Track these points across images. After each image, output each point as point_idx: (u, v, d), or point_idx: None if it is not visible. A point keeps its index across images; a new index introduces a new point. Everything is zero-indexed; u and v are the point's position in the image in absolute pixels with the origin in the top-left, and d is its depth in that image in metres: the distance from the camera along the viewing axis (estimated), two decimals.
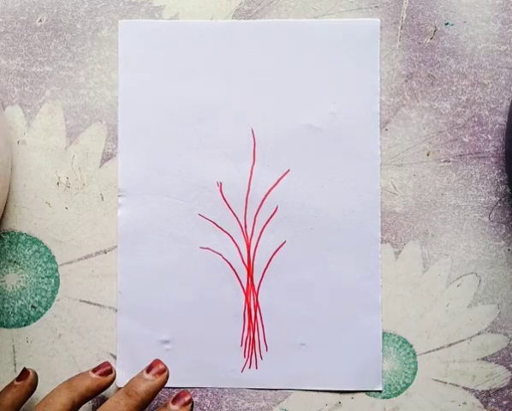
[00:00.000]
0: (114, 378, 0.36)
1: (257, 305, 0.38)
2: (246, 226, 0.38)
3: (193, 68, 0.38)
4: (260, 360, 0.38)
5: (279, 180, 0.38)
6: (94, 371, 0.36)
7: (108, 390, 0.38)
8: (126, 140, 0.38)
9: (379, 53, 0.38)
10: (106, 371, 0.36)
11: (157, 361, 0.35)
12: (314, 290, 0.38)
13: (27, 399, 0.35)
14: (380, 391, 0.38)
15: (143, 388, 0.34)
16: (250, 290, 0.38)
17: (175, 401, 0.35)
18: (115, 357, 0.38)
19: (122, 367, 0.38)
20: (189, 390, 0.38)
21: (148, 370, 0.35)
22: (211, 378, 0.38)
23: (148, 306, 0.38)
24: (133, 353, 0.38)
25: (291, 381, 0.38)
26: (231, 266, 0.38)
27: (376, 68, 0.38)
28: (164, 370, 0.35)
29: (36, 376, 0.36)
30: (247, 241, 0.38)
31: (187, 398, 0.35)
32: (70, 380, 0.35)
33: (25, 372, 0.36)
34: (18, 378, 0.36)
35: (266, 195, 0.38)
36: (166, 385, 0.38)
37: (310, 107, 0.38)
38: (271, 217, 0.38)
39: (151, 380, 0.34)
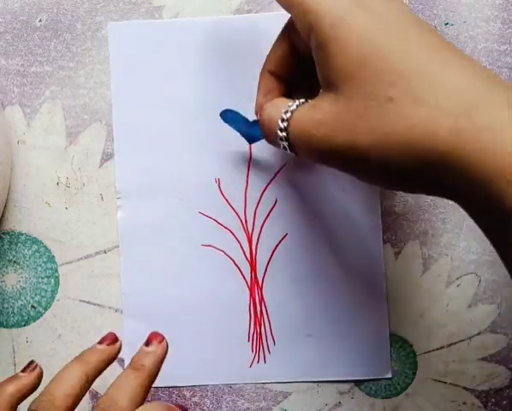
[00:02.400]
0: (121, 347, 0.36)
1: (262, 299, 0.38)
2: (246, 221, 0.38)
3: (187, 65, 0.38)
4: (268, 354, 0.38)
5: (277, 173, 0.38)
6: (100, 343, 0.36)
7: None
8: (122, 142, 0.38)
9: None
10: (112, 340, 0.36)
11: (153, 334, 0.35)
12: (318, 281, 0.38)
13: (31, 393, 0.34)
14: (390, 379, 0.38)
15: (148, 361, 0.34)
16: (254, 285, 0.38)
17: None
18: None
19: None
20: (189, 388, 0.38)
21: (147, 344, 0.35)
22: (219, 375, 0.38)
23: (153, 306, 0.38)
24: None
25: (300, 373, 0.38)
26: (234, 262, 0.38)
27: None
28: (163, 339, 0.35)
29: (42, 370, 0.35)
30: (248, 236, 0.38)
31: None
32: (80, 356, 0.34)
33: (32, 364, 0.35)
34: (23, 370, 0.34)
35: (265, 189, 0.38)
36: (174, 385, 0.38)
37: None
38: (271, 210, 0.38)
39: (154, 351, 0.34)
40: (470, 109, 0.24)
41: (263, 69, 0.33)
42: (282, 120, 0.30)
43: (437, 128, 0.24)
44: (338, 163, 0.28)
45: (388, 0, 0.27)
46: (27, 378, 0.34)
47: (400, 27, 0.26)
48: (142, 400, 0.32)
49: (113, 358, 0.35)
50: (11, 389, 0.33)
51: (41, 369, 0.35)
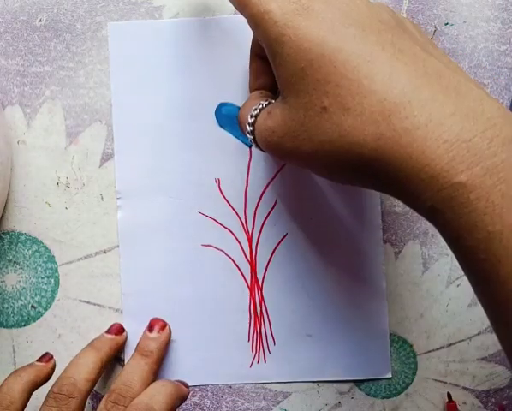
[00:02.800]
0: (127, 337, 0.38)
1: (262, 299, 0.38)
2: (246, 221, 0.38)
3: (185, 65, 0.38)
4: (268, 353, 0.38)
5: (277, 173, 0.38)
6: (108, 332, 0.38)
7: None
8: (122, 142, 0.38)
9: None
10: (119, 331, 0.38)
11: (154, 320, 0.38)
12: (318, 281, 0.38)
13: (45, 382, 0.35)
14: (390, 379, 0.38)
15: (154, 346, 0.36)
16: (254, 285, 0.38)
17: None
18: (115, 357, 0.38)
19: None
20: (189, 389, 0.38)
21: (150, 329, 0.37)
22: (220, 375, 0.38)
23: (153, 306, 0.38)
24: None
25: (300, 373, 0.38)
26: (234, 262, 0.38)
27: None
28: (165, 324, 0.38)
29: (55, 362, 0.37)
30: (248, 236, 0.38)
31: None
32: (92, 344, 0.37)
33: (47, 355, 0.37)
34: (39, 360, 0.36)
35: (265, 189, 0.38)
36: None
37: None
38: (271, 210, 0.38)
39: (159, 337, 0.37)
40: (391, 113, 0.25)
41: (251, 52, 0.34)
42: (249, 124, 0.31)
43: (363, 135, 0.25)
44: (292, 163, 0.30)
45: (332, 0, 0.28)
46: (43, 368, 0.36)
47: (339, 34, 0.26)
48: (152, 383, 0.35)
49: (121, 346, 0.38)
50: (28, 376, 0.35)
51: (55, 361, 0.36)
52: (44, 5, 0.38)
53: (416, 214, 0.38)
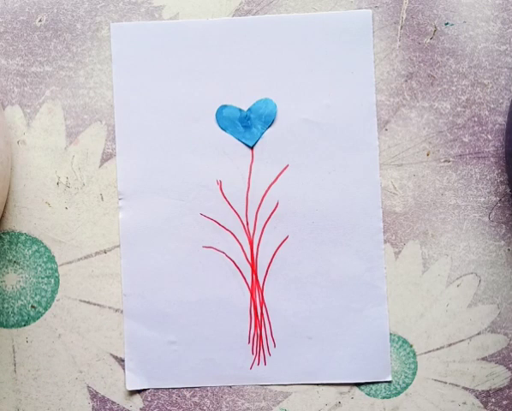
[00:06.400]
0: None
1: (262, 301, 0.38)
2: (247, 223, 0.38)
3: (187, 67, 0.38)
4: (269, 356, 0.38)
5: (278, 175, 0.38)
6: None
7: (117, 393, 0.38)
8: (124, 143, 0.38)
9: (372, 43, 0.38)
10: None
11: None
12: (319, 283, 0.38)
13: None
14: (390, 382, 0.38)
15: None
16: (255, 287, 0.38)
17: None
18: (115, 357, 0.38)
19: (131, 370, 0.38)
20: (189, 389, 0.38)
21: None
22: (220, 376, 0.38)
23: (154, 307, 0.38)
24: (141, 355, 0.38)
25: (300, 376, 0.38)
26: (235, 264, 0.38)
27: (370, 59, 0.38)
28: None
29: None
30: (249, 238, 0.38)
31: None
32: None
33: None
34: None
35: (266, 191, 0.38)
36: (176, 386, 0.38)
37: (306, 101, 0.38)
38: (273, 212, 0.38)
39: None
40: None
41: None
42: None
43: None
44: None
45: None
46: None
47: None
48: None
49: None
50: None
51: None
52: (44, 5, 0.38)
53: (416, 214, 0.38)
